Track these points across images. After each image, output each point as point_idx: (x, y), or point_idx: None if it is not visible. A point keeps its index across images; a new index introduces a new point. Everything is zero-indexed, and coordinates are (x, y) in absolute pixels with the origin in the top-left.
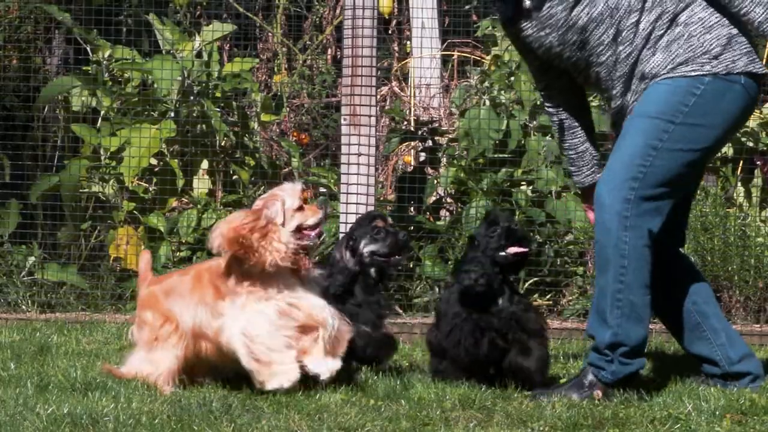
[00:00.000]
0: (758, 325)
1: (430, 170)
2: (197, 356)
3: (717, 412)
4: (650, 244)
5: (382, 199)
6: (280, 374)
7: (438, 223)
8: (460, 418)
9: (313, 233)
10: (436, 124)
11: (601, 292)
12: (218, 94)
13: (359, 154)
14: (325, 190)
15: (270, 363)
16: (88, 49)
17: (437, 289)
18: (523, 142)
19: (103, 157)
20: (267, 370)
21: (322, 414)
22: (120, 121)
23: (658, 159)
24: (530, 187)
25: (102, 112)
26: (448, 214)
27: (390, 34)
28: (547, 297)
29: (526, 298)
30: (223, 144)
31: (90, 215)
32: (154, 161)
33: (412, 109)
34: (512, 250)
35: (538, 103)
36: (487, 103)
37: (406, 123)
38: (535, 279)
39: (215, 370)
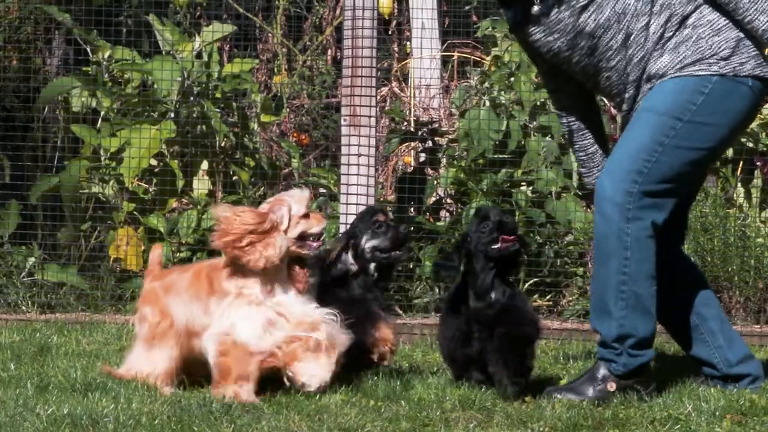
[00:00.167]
0: (758, 326)
1: (430, 171)
2: (191, 354)
3: (717, 413)
4: (653, 235)
5: (382, 199)
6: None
7: (438, 223)
8: (460, 418)
9: (315, 244)
10: (436, 125)
11: (603, 284)
12: (218, 95)
13: (359, 155)
14: (325, 190)
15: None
16: (88, 49)
17: (437, 290)
18: (523, 142)
19: (103, 158)
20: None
21: (322, 415)
22: (120, 122)
23: (663, 155)
24: (530, 188)
25: (102, 113)
26: (448, 214)
27: (390, 35)
28: (547, 298)
29: (521, 293)
30: (223, 145)
31: (90, 216)
32: (154, 162)
33: (412, 110)
34: (503, 243)
35: (538, 104)
36: (487, 103)
37: (406, 123)
38: (535, 280)
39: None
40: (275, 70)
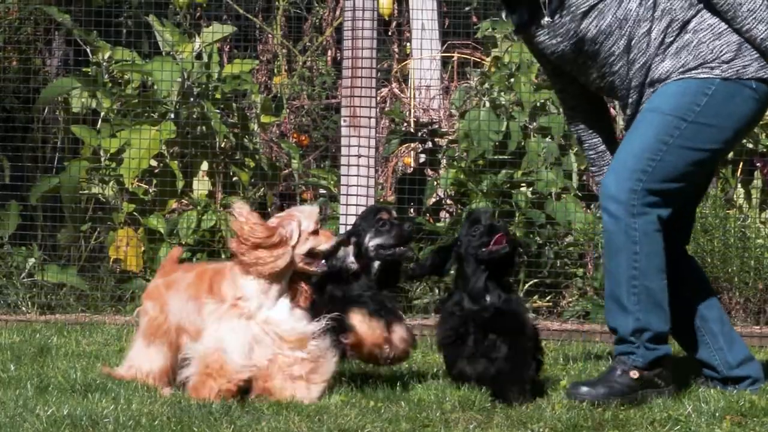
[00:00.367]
0: (758, 327)
1: (429, 172)
2: (179, 351)
3: (717, 414)
4: (660, 229)
5: (382, 200)
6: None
7: (438, 224)
8: (459, 419)
9: (323, 261)
10: (436, 126)
11: (614, 281)
12: (218, 96)
13: (359, 156)
14: (324, 191)
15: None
16: (88, 50)
17: (437, 291)
18: (522, 143)
19: (103, 159)
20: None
21: (321, 415)
22: (120, 123)
23: (667, 155)
24: (530, 189)
25: (102, 114)
26: (448, 215)
27: (390, 36)
28: (547, 299)
29: (517, 297)
30: (222, 145)
31: (90, 217)
32: (153, 163)
33: (412, 111)
34: (493, 246)
35: (538, 104)
36: (487, 104)
37: (405, 124)
38: (535, 280)
39: None
40: (275, 70)
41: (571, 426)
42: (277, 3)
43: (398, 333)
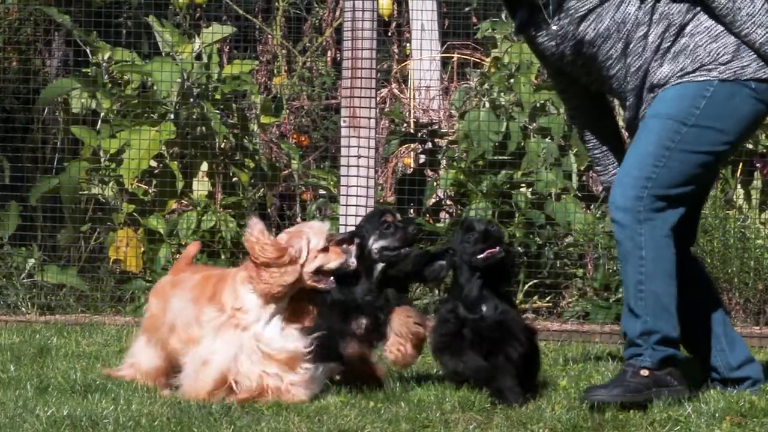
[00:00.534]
0: (758, 327)
1: (429, 172)
2: (168, 350)
3: (717, 414)
4: (668, 234)
5: (381, 201)
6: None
7: (438, 225)
8: (459, 420)
9: (331, 278)
10: (436, 126)
11: (625, 287)
12: (218, 96)
13: (359, 156)
14: (324, 192)
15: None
16: (88, 51)
17: (437, 292)
18: (522, 144)
19: (102, 159)
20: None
21: (321, 416)
22: (120, 123)
23: (670, 160)
24: (530, 189)
25: (102, 114)
26: (447, 216)
27: (389, 36)
28: (547, 299)
29: (514, 306)
30: (222, 146)
31: (90, 217)
32: (153, 163)
33: (412, 111)
34: (488, 252)
35: (538, 105)
36: (487, 105)
37: (405, 125)
38: (535, 281)
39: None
40: (275, 71)
41: (571, 426)
42: (276, 4)
43: (392, 342)
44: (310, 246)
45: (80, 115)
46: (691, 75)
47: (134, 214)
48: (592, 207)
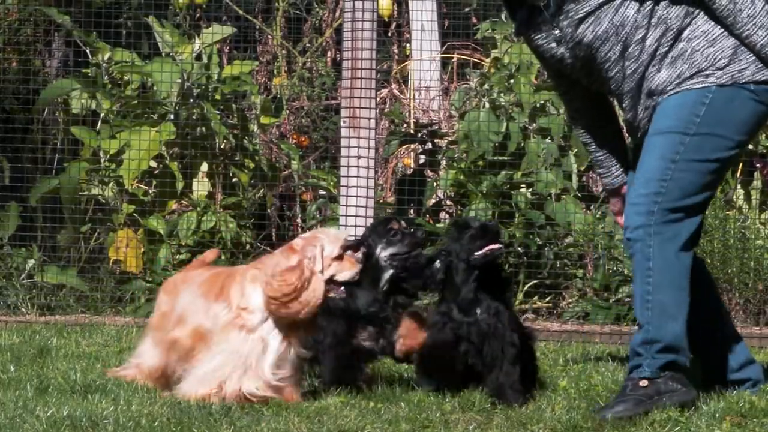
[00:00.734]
0: (758, 328)
1: (429, 173)
2: (168, 340)
3: (717, 415)
4: (682, 246)
5: (381, 201)
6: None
7: (438, 225)
8: (459, 420)
9: (342, 288)
10: (436, 127)
11: (634, 300)
12: (218, 97)
13: (359, 157)
14: (324, 192)
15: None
16: (88, 51)
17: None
18: (522, 144)
19: (102, 160)
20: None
21: (321, 416)
22: (120, 124)
23: (677, 172)
24: (530, 190)
25: (102, 115)
26: (447, 216)
27: (389, 37)
28: (547, 299)
29: (508, 309)
30: (222, 146)
31: (90, 218)
32: (153, 164)
33: (412, 112)
34: (487, 248)
35: (538, 105)
36: (487, 105)
37: (405, 125)
38: (535, 281)
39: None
40: (275, 71)
41: (571, 427)
42: (276, 4)
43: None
44: (324, 254)
45: (80, 116)
46: (689, 82)
47: (134, 214)
48: (592, 207)
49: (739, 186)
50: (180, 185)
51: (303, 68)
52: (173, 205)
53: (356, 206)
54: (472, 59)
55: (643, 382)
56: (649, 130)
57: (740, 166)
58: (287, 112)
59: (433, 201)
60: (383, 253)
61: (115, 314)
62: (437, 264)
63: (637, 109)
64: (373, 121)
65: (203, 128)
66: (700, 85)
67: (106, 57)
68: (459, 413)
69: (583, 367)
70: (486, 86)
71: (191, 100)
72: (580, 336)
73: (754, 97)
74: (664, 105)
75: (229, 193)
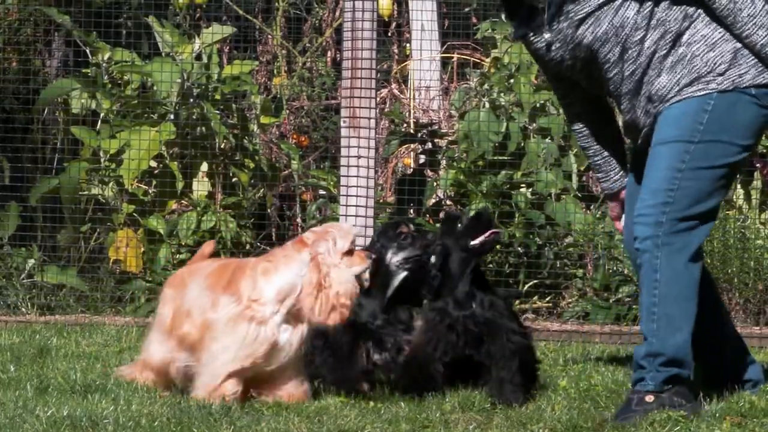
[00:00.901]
0: (758, 328)
1: (429, 172)
2: (176, 335)
3: (717, 415)
4: (691, 258)
5: (381, 201)
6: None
7: (438, 225)
8: (459, 420)
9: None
10: (436, 127)
11: (640, 311)
12: (218, 97)
13: (359, 157)
14: (324, 192)
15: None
16: (88, 51)
17: None
18: (522, 144)
19: (102, 160)
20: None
21: (321, 416)
22: (119, 124)
23: (684, 181)
24: (530, 190)
25: (101, 115)
26: None
27: (389, 37)
28: (547, 299)
29: (501, 301)
30: (222, 146)
31: (89, 218)
32: (153, 163)
33: (412, 112)
34: (483, 236)
35: (538, 105)
36: (487, 105)
37: (405, 125)
38: (535, 281)
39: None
40: (275, 71)
41: (571, 427)
42: (276, 4)
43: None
44: (336, 248)
45: (80, 116)
46: (690, 89)
47: (134, 214)
48: (592, 207)
49: (739, 186)
50: (180, 185)
51: (303, 68)
52: (173, 205)
53: (356, 206)
54: (472, 59)
55: (649, 398)
56: (652, 140)
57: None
58: (287, 112)
59: (433, 201)
60: (394, 258)
61: (115, 314)
62: (433, 258)
63: (636, 112)
64: (373, 121)
65: (203, 128)
66: (702, 93)
67: (106, 57)
68: (459, 413)
69: (583, 367)
70: (486, 86)
71: (191, 100)
72: (580, 336)
73: (755, 101)
74: (666, 114)
75: (229, 193)
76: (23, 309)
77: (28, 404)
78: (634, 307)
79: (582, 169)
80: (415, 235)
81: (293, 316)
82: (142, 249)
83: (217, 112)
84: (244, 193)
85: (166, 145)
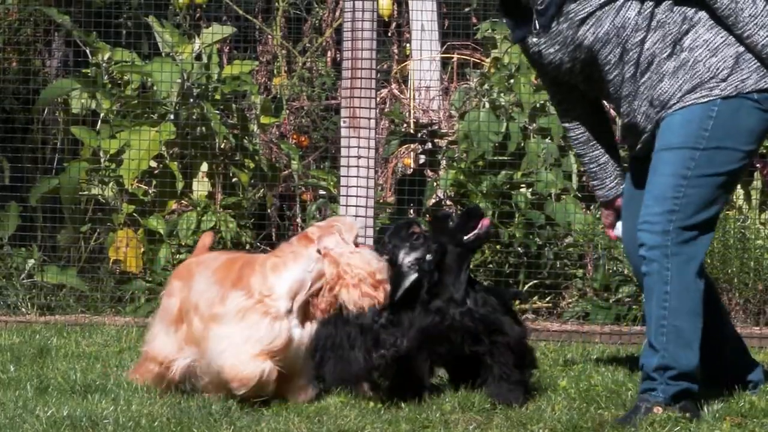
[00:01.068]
0: (758, 328)
1: (429, 172)
2: (182, 328)
3: (717, 415)
4: (698, 270)
5: (381, 201)
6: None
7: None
8: (459, 420)
9: None
10: (436, 127)
11: (647, 320)
12: (218, 97)
13: (359, 157)
14: (324, 192)
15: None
16: (88, 51)
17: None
18: (522, 144)
19: (102, 160)
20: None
21: (321, 416)
22: (119, 124)
23: (689, 188)
24: (530, 190)
25: (101, 115)
26: None
27: (389, 37)
28: (547, 299)
29: (494, 298)
30: (222, 146)
31: (89, 218)
32: (153, 164)
33: (412, 112)
34: (480, 223)
35: (538, 105)
36: (487, 105)
37: (405, 125)
38: (535, 281)
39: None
40: (275, 71)
41: (571, 427)
42: (276, 4)
43: None
44: (345, 238)
45: (80, 116)
46: (692, 95)
47: (134, 214)
48: (592, 207)
49: (739, 186)
50: (180, 185)
51: (303, 68)
52: (173, 205)
53: (356, 206)
54: (472, 59)
55: (658, 409)
56: (655, 146)
57: None
58: (287, 112)
59: (433, 201)
60: (406, 258)
61: (115, 314)
62: (428, 257)
63: (636, 116)
64: (373, 121)
65: (203, 128)
66: (705, 99)
67: (106, 57)
68: (459, 413)
69: (583, 367)
70: (486, 86)
71: (191, 100)
72: (580, 336)
73: (758, 106)
74: (669, 121)
75: (229, 193)
76: (23, 309)
77: (28, 404)
78: (634, 307)
79: (582, 169)
80: (426, 235)
81: (303, 313)
82: (142, 249)
83: (217, 112)
84: (244, 193)
85: (166, 145)
